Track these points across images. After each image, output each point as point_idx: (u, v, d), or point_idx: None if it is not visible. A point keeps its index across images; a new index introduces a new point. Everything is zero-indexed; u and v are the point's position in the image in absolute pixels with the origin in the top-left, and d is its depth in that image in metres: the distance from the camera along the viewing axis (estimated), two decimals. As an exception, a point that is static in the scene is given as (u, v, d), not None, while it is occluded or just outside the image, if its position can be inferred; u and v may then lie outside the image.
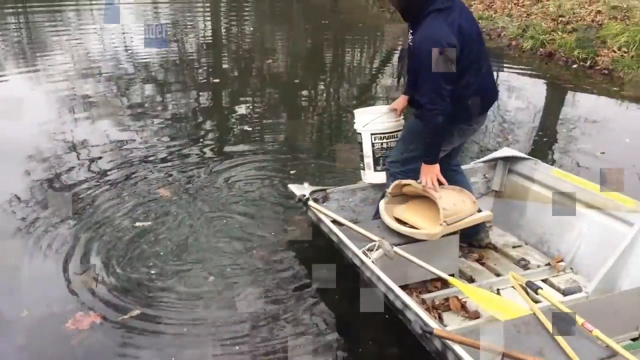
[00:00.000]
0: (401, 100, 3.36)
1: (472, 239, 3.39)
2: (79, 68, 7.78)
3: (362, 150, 3.48)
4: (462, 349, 2.10)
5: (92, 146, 5.02)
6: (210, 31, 11.59)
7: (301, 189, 3.45)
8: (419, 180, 3.03)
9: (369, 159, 3.46)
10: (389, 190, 3.20)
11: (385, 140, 3.40)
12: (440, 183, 3.01)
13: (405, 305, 2.43)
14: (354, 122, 3.52)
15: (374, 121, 3.39)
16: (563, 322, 2.29)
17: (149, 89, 7.09)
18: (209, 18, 13.14)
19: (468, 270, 3.22)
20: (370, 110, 3.57)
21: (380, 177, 3.46)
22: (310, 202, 3.32)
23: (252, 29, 11.87)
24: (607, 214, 3.11)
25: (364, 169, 3.54)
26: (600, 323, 2.26)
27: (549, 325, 2.28)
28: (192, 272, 3.29)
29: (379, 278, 2.62)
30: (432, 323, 2.27)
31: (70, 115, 5.87)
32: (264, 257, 3.46)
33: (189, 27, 11.60)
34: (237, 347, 2.71)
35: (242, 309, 2.98)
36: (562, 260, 3.25)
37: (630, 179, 4.52)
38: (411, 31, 2.97)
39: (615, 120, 6.19)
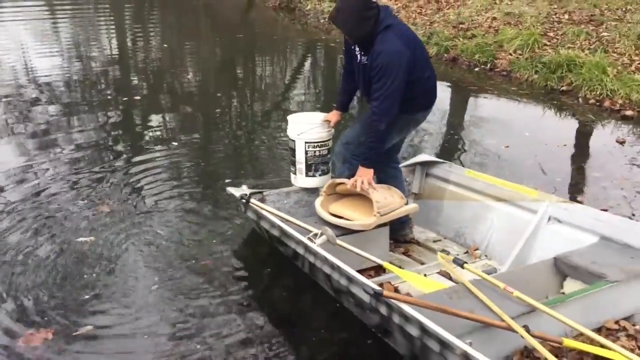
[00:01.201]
0: (335, 115, 3.62)
1: (397, 235, 3.68)
2: None
3: (294, 156, 3.66)
4: (411, 309, 2.36)
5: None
6: (116, 47, 11.26)
7: (240, 190, 3.65)
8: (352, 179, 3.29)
9: (301, 165, 3.64)
10: (323, 189, 3.47)
11: (318, 149, 3.61)
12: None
13: (351, 280, 2.67)
14: (287, 128, 3.68)
15: (308, 130, 3.57)
16: (487, 287, 2.64)
17: (53, 109, 6.68)
18: (113, 33, 12.76)
19: (396, 261, 3.50)
20: (303, 118, 3.75)
21: (311, 182, 3.69)
22: (252, 200, 3.51)
23: (160, 43, 11.63)
24: (513, 204, 3.52)
25: (295, 174, 3.73)
26: (521, 290, 2.58)
27: (476, 291, 2.59)
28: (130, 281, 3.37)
29: (324, 260, 2.85)
30: (377, 287, 2.52)
31: None
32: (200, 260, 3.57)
33: (92, 42, 11.24)
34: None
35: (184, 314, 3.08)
36: (477, 249, 3.62)
37: (533, 167, 5.06)
38: (362, 52, 3.24)
39: (516, 117, 6.79)
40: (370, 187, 3.25)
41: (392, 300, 2.44)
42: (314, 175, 3.67)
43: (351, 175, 3.37)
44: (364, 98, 3.45)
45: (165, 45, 11.33)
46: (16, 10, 14.32)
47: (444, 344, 2.21)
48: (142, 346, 2.82)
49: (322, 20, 12.47)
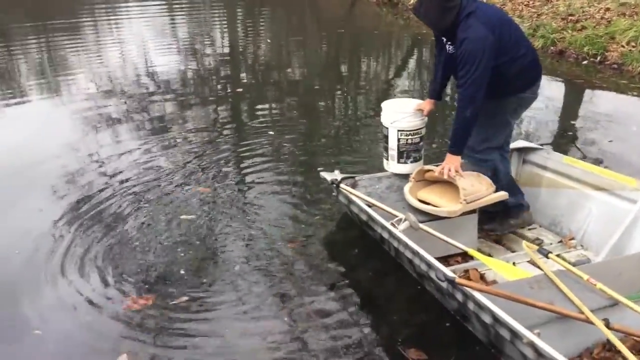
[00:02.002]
0: (428, 104, 3.67)
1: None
2: (99, 86, 7.84)
3: (387, 142, 3.78)
4: (484, 297, 2.41)
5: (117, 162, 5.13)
6: (227, 43, 11.80)
7: (332, 175, 3.80)
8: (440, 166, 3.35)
9: (393, 152, 3.76)
10: (412, 176, 3.56)
11: (410, 137, 3.70)
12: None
13: (430, 265, 2.76)
14: (381, 115, 3.78)
15: (402, 118, 3.65)
16: (570, 278, 2.62)
17: (168, 101, 7.12)
18: (225, 29, 13.37)
19: (487, 248, 3.52)
20: (397, 106, 3.82)
21: (402, 169, 3.78)
22: (342, 185, 3.65)
23: (268, 39, 12.07)
24: (612, 193, 3.41)
25: (387, 159, 3.84)
26: (606, 282, 2.55)
27: (557, 282, 2.58)
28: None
29: (406, 245, 2.95)
30: (453, 274, 2.59)
31: (94, 135, 5.88)
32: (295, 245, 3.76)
33: (205, 39, 11.79)
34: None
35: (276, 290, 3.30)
36: (573, 238, 3.54)
37: (636, 163, 4.83)
38: (449, 42, 3.31)
39: (624, 111, 6.44)
40: (458, 174, 3.30)
41: (466, 288, 2.50)
42: (405, 162, 3.77)
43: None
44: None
45: (269, 41, 11.73)
46: (140, 8, 15.38)
47: (514, 333, 2.25)
48: (228, 317, 3.06)
49: (425, 15, 12.38)
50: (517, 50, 3.26)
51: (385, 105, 3.79)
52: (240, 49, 11.06)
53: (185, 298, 3.20)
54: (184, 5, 16.03)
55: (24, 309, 3.13)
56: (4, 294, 3.27)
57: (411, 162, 3.77)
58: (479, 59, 3.06)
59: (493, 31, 3.12)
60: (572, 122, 6.17)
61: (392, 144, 3.74)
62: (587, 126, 5.94)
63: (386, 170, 3.91)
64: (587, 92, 7.31)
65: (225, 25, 14.04)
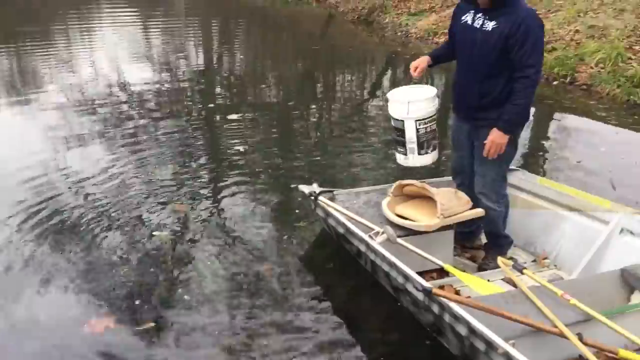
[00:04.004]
0: (424, 61, 3.47)
1: (465, 241, 3.72)
2: (69, 99, 7.69)
3: (402, 136, 3.51)
4: (460, 308, 2.42)
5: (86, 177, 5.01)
6: (202, 57, 11.69)
7: (310, 188, 3.77)
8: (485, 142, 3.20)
9: (412, 144, 3.50)
10: (390, 190, 3.56)
11: (429, 124, 3.47)
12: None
13: (406, 278, 2.76)
14: (390, 108, 3.53)
15: (417, 107, 3.41)
16: (544, 293, 2.65)
17: (141, 116, 6.99)
18: (200, 44, 13.25)
19: (461, 265, 3.54)
20: (406, 94, 3.53)
21: (424, 160, 3.58)
22: (321, 198, 3.64)
23: (243, 54, 12.04)
24: (585, 214, 3.48)
25: (404, 154, 3.57)
26: (578, 299, 2.58)
27: (532, 296, 2.61)
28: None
29: (383, 257, 2.95)
30: (430, 285, 2.60)
31: (64, 149, 5.78)
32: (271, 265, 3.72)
33: (180, 53, 11.64)
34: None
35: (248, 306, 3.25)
36: (546, 258, 3.59)
37: (603, 183, 4.91)
38: (486, 16, 3.08)
39: (593, 132, 6.57)
40: (434, 189, 3.32)
41: (443, 299, 2.50)
42: (426, 152, 3.56)
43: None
44: (471, 75, 3.24)
45: (243, 56, 11.74)
46: (113, 19, 15.25)
47: (489, 344, 2.26)
48: (196, 344, 2.95)
49: (399, 34, 12.55)
50: None
51: (393, 96, 3.54)
52: (215, 64, 11.03)
53: (152, 324, 3.07)
54: (159, 20, 15.94)
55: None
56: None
57: (431, 150, 3.57)
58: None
59: None
60: (542, 142, 6.27)
61: (411, 136, 3.48)
62: (557, 146, 6.06)
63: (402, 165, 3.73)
64: (557, 113, 7.45)
65: (200, 39, 14.00)
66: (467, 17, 3.19)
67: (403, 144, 3.55)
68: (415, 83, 3.70)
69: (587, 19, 9.65)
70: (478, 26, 3.12)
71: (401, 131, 3.50)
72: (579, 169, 5.30)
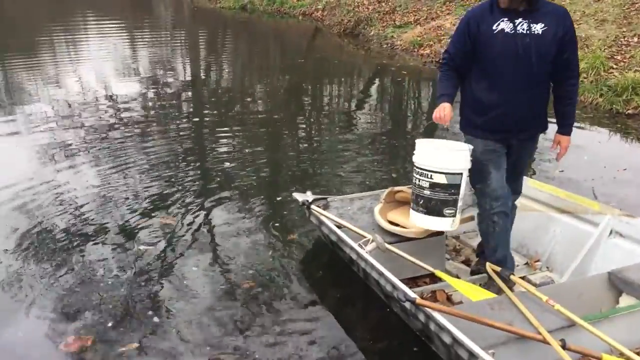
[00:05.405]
0: (450, 108, 3.02)
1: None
2: (56, 113, 7.68)
3: (455, 194, 3.00)
4: (444, 317, 2.44)
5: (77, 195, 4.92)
6: (190, 70, 11.72)
7: (304, 196, 3.79)
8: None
9: (461, 202, 3.06)
10: (382, 197, 3.59)
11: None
12: None
13: (394, 286, 2.78)
14: (442, 160, 2.98)
15: (468, 158, 3.03)
16: (530, 299, 2.67)
17: (128, 130, 6.91)
18: (187, 57, 13.29)
19: (454, 270, 3.57)
20: (445, 145, 3.19)
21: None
22: (313, 206, 3.66)
23: (230, 67, 12.09)
24: (576, 216, 3.54)
25: (454, 216, 3.06)
26: (566, 303, 2.61)
27: (518, 302, 2.63)
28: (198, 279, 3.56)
29: (372, 266, 2.97)
30: (415, 295, 2.61)
31: (51, 163, 5.71)
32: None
33: (167, 66, 11.70)
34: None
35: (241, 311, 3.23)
36: (538, 260, 3.63)
37: (585, 191, 4.82)
38: (528, 19, 2.83)
39: (575, 141, 6.54)
40: None
41: (426, 309, 2.54)
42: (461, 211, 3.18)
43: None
44: (520, 85, 2.91)
45: (230, 69, 11.78)
46: (99, 30, 15.25)
47: (471, 353, 2.28)
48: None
49: (384, 46, 12.68)
50: None
51: (445, 145, 3.16)
52: (202, 77, 11.06)
53: (134, 345, 2.94)
54: (145, 32, 15.97)
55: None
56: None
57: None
58: None
59: None
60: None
61: (463, 190, 3.03)
62: (539, 156, 6.10)
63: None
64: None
65: (187, 52, 14.04)
66: (503, 25, 2.86)
67: (454, 203, 3.03)
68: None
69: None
70: (524, 31, 2.82)
71: (456, 187, 2.99)
72: (561, 178, 5.30)
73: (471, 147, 3.03)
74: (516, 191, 3.34)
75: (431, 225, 3.12)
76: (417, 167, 3.05)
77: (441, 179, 2.97)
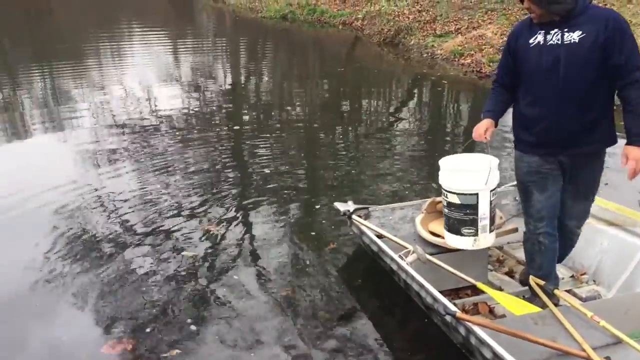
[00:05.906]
0: (491, 124, 3.04)
1: None
2: (101, 121, 7.87)
3: (474, 214, 3.03)
4: (484, 332, 2.41)
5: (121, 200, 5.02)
6: (230, 79, 11.86)
7: (345, 206, 3.80)
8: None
9: (485, 221, 3.05)
10: (424, 207, 3.57)
11: (495, 196, 3.12)
12: None
13: (435, 299, 2.76)
14: (457, 180, 3.06)
15: (494, 175, 3.03)
16: (574, 315, 2.62)
17: (171, 138, 7.02)
18: (228, 65, 13.48)
19: (497, 282, 3.51)
20: (468, 161, 3.17)
21: (493, 238, 3.18)
22: (354, 216, 3.66)
23: (270, 76, 12.16)
24: (624, 229, 3.44)
25: (475, 235, 3.08)
26: (612, 320, 2.55)
27: (561, 318, 2.58)
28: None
29: (412, 278, 2.95)
30: (455, 308, 2.59)
31: (95, 170, 5.85)
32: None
33: (208, 74, 11.84)
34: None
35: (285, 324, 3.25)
36: (585, 274, 3.54)
37: (630, 205, 4.79)
38: (565, 28, 2.75)
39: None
40: None
41: (467, 323, 2.51)
42: (492, 230, 3.14)
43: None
44: (564, 98, 2.79)
45: (270, 77, 11.84)
46: (143, 41, 15.61)
47: None
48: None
49: (424, 55, 12.63)
50: None
51: (460, 165, 3.14)
52: (242, 86, 11.17)
53: (176, 351, 2.98)
54: (187, 41, 16.26)
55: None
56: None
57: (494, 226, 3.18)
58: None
59: None
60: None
61: (484, 211, 3.01)
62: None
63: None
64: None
65: (228, 60, 14.24)
66: (538, 38, 2.82)
67: (472, 223, 3.07)
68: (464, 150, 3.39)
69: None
70: (558, 42, 2.77)
71: (472, 207, 3.03)
72: (607, 189, 5.20)
73: (495, 165, 3.03)
74: (578, 216, 3.13)
75: (453, 243, 3.19)
76: (441, 185, 3.15)
77: (454, 199, 3.06)
